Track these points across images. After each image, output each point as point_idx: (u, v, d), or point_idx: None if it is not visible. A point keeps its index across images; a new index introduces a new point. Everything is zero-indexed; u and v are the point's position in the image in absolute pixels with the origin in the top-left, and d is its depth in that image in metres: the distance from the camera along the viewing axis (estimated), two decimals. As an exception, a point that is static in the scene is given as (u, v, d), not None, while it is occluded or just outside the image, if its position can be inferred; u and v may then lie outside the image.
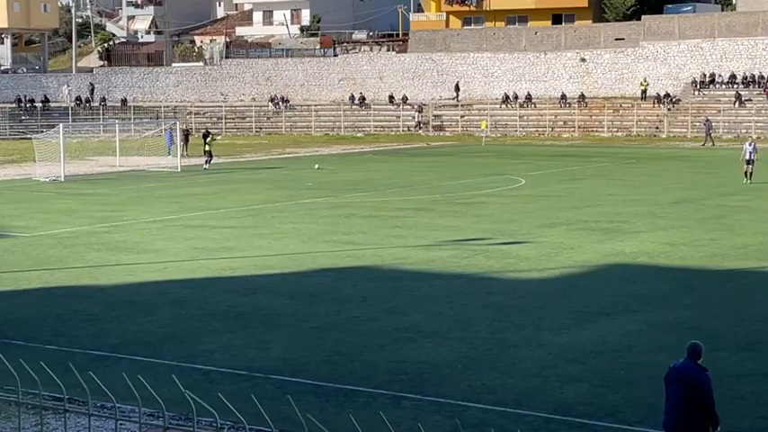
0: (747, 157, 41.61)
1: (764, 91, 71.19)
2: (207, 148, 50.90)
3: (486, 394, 13.99)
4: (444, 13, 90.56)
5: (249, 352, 16.28)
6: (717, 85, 73.59)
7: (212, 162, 50.92)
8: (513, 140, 72.99)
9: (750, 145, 42.08)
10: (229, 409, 6.82)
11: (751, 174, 41.38)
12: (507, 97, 78.10)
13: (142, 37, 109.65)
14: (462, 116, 79.12)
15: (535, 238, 27.44)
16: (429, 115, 79.95)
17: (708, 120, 66.55)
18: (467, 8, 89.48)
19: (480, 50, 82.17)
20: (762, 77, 72.38)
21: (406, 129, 79.78)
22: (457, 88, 79.13)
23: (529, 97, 77.77)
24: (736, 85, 72.69)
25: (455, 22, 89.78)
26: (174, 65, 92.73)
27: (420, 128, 77.84)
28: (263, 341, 16.95)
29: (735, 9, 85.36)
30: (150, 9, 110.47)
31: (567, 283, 21.67)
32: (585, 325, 17.96)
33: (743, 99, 71.13)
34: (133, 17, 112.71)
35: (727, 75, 73.58)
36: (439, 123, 78.78)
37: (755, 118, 70.43)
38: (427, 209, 34.31)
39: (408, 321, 18.26)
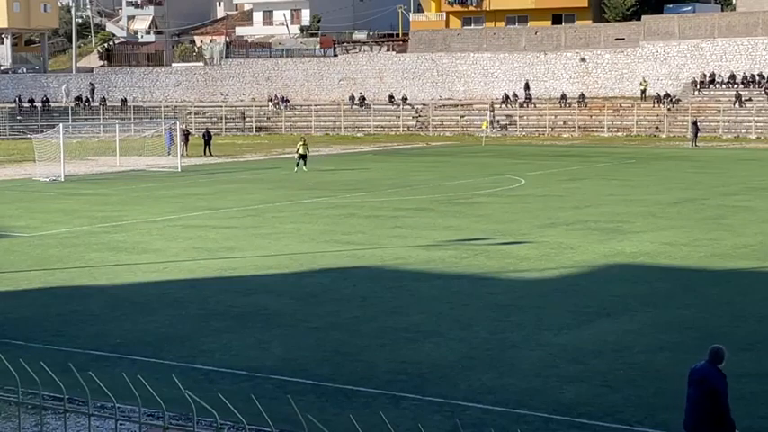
0: None
1: (765, 91, 71.18)
2: (302, 151, 49.30)
3: (486, 394, 13.99)
4: (444, 13, 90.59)
5: (249, 352, 16.27)
6: (717, 85, 73.60)
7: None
8: (513, 140, 72.99)
9: None
10: (229, 409, 6.82)
11: None
12: (507, 97, 78.12)
13: (142, 37, 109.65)
14: (462, 116, 79.13)
15: (535, 238, 27.44)
16: (429, 115, 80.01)
17: (696, 122, 66.49)
18: (467, 8, 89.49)
19: (480, 50, 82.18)
20: (762, 77, 72.38)
21: (405, 129, 79.81)
22: (527, 87, 78.14)
23: (529, 97, 77.78)
24: (736, 85, 72.69)
25: (455, 22, 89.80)
26: (174, 65, 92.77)
27: (493, 126, 76.53)
28: (263, 341, 16.94)
29: (735, 9, 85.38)
30: (150, 9, 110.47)
31: (567, 283, 21.66)
32: (585, 325, 17.95)
33: (743, 99, 71.14)
34: (133, 17, 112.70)
35: (727, 75, 73.59)
36: (506, 123, 77.92)
37: (755, 118, 70.44)
38: (427, 209, 34.31)
39: (408, 321, 18.25)
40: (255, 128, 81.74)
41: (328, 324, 18.14)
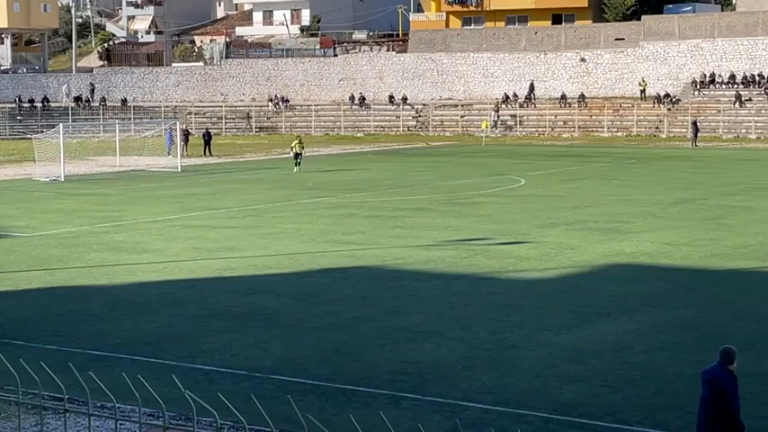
0: None
1: (765, 91, 71.17)
2: (297, 149, 49.10)
3: (486, 394, 13.99)
4: (444, 13, 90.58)
5: (249, 352, 16.27)
6: (717, 85, 73.60)
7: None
8: (513, 140, 72.99)
9: None
10: (229, 409, 6.82)
11: None
12: (507, 97, 78.11)
13: (142, 37, 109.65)
14: (462, 116, 79.12)
15: (535, 238, 27.44)
16: (429, 115, 80.00)
17: (695, 122, 66.52)
18: (467, 8, 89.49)
19: (480, 50, 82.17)
20: (762, 77, 72.38)
21: (405, 129, 79.81)
22: (531, 87, 78.00)
23: (529, 97, 77.77)
24: (736, 85, 72.68)
25: (455, 22, 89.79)
26: (174, 65, 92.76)
27: (497, 127, 76.55)
28: (263, 341, 16.94)
29: (735, 9, 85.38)
30: (150, 9, 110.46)
31: (567, 283, 21.66)
32: (585, 325, 17.95)
33: (743, 99, 71.13)
34: (133, 17, 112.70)
35: (727, 75, 73.58)
36: (512, 123, 77.73)
37: (755, 118, 70.44)
38: (427, 209, 34.31)
39: (408, 321, 18.25)
40: (256, 128, 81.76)
41: (328, 324, 18.14)
